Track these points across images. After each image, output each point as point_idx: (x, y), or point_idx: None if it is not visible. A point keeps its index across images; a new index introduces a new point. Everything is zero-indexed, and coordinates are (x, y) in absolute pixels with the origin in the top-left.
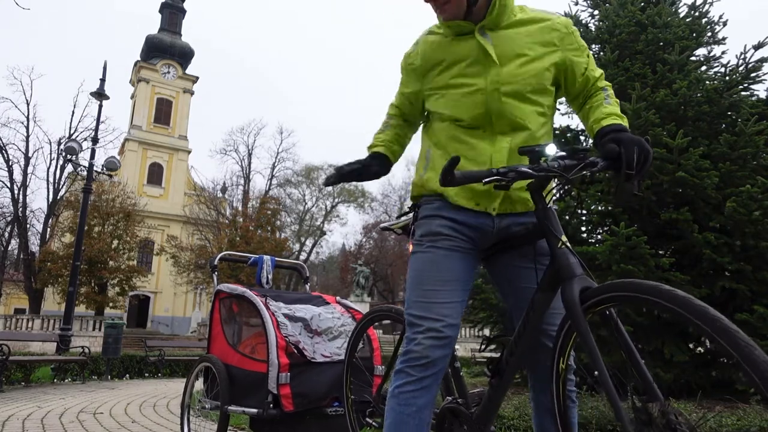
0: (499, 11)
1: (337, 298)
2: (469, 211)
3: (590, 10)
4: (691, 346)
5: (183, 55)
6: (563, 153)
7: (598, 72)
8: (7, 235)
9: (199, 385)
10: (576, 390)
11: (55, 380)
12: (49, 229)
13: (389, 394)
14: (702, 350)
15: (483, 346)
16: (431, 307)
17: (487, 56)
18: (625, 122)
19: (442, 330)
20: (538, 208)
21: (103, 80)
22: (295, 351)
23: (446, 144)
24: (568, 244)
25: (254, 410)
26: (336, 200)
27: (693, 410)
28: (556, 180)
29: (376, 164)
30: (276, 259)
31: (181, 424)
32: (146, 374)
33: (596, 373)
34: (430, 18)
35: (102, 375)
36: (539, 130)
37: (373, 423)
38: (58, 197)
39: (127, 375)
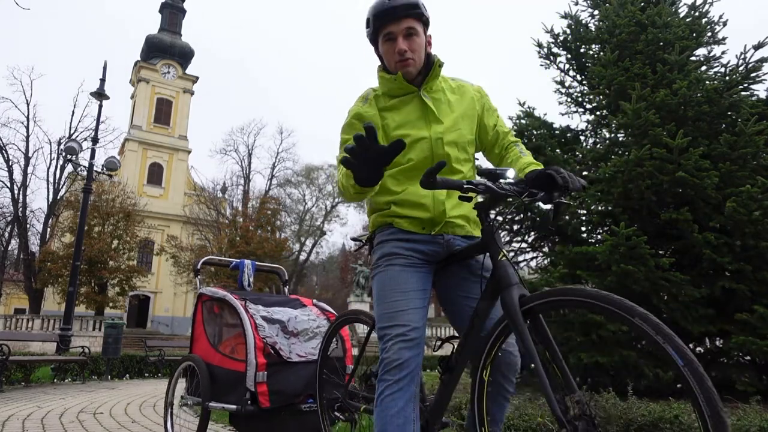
0: (435, 76)
1: (314, 300)
2: (419, 234)
3: (590, 10)
4: (691, 346)
5: (183, 55)
6: (512, 181)
7: (507, 129)
8: (7, 235)
9: (182, 383)
10: (508, 391)
11: (55, 380)
12: (49, 229)
13: (375, 404)
14: (702, 350)
15: (437, 347)
16: (396, 315)
17: (430, 112)
18: (541, 167)
19: (408, 334)
20: (485, 225)
21: (103, 80)
22: (272, 351)
23: (389, 184)
24: (508, 257)
25: (233, 406)
26: (336, 200)
27: (693, 410)
28: (508, 202)
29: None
30: (256, 263)
31: (165, 420)
32: (146, 374)
33: (533, 366)
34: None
35: (102, 375)
36: (468, 173)
37: (341, 416)
38: (58, 197)
39: (127, 375)
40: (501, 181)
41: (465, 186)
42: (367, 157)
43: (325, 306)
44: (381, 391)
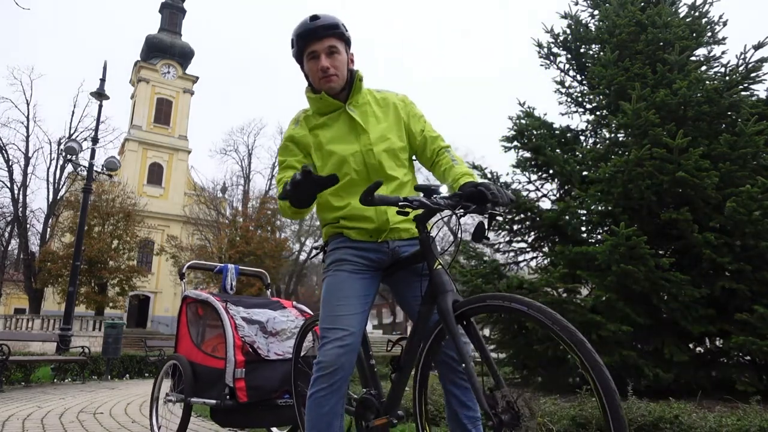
0: (358, 90)
1: (294, 302)
2: (367, 242)
3: (590, 10)
4: (691, 346)
5: (183, 55)
6: (446, 195)
7: (436, 133)
8: (7, 235)
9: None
10: (464, 377)
11: (55, 380)
12: (49, 229)
13: (307, 398)
14: (702, 350)
15: (389, 348)
16: (337, 319)
17: (357, 126)
18: (475, 179)
19: (345, 338)
20: (422, 237)
21: (103, 80)
22: (251, 350)
23: (332, 201)
24: (443, 265)
25: (213, 401)
26: None
27: (693, 410)
28: (440, 214)
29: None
30: (239, 267)
31: (150, 414)
32: (146, 374)
33: (463, 365)
34: (428, 24)
35: (102, 375)
36: (404, 177)
37: None
38: (58, 197)
39: (127, 375)
40: (435, 195)
41: (400, 204)
42: (302, 189)
43: (304, 308)
44: (315, 391)
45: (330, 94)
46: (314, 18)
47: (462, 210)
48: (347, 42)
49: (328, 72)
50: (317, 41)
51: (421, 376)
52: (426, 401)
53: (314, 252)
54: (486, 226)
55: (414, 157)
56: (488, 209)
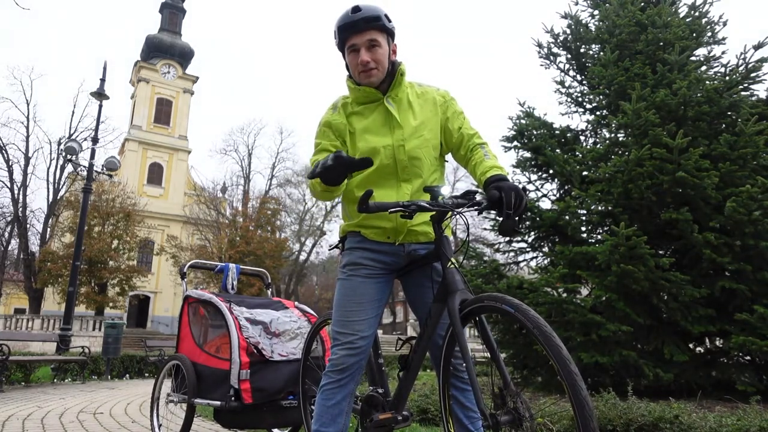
0: (397, 85)
1: (296, 303)
2: (384, 243)
3: (590, 10)
4: (691, 346)
5: (183, 55)
6: (457, 194)
7: (473, 131)
8: (7, 235)
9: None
10: (465, 377)
11: (55, 380)
12: (49, 229)
13: (318, 391)
14: (702, 350)
15: (398, 347)
16: (349, 324)
17: (393, 119)
18: (504, 172)
19: (355, 342)
20: (437, 236)
21: (103, 80)
22: (255, 351)
23: (357, 192)
24: (456, 265)
25: (218, 403)
26: (336, 200)
27: (693, 410)
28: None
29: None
30: (240, 267)
31: (151, 416)
32: (146, 374)
33: (464, 364)
34: (429, 24)
35: (102, 375)
36: (430, 177)
37: None
38: (58, 197)
39: (127, 375)
40: (442, 196)
41: (390, 211)
42: (333, 171)
43: (306, 308)
44: (324, 384)
45: (370, 87)
46: (356, 10)
47: (473, 208)
48: (390, 33)
49: (368, 66)
50: (358, 34)
51: (444, 371)
52: (449, 395)
53: (330, 249)
54: (510, 223)
55: (450, 155)
56: (504, 211)
